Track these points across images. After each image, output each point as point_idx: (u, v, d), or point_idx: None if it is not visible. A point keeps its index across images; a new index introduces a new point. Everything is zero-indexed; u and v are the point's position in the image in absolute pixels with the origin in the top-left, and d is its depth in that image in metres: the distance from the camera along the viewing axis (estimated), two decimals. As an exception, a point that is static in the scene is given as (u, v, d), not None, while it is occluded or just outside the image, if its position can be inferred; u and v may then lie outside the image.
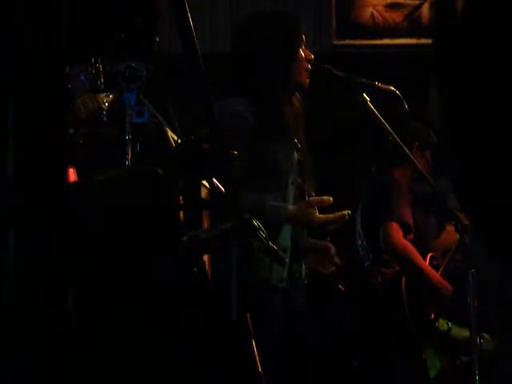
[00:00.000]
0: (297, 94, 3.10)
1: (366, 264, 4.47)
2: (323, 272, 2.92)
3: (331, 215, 2.92)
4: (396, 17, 6.14)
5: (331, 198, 2.90)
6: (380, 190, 4.47)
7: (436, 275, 4.33)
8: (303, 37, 3.09)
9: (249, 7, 5.85)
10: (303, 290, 3.02)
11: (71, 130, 2.39)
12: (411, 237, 4.37)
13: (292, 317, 2.94)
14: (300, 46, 3.07)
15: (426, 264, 4.35)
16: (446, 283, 4.34)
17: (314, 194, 3.06)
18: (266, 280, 2.86)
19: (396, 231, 4.30)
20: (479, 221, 1.59)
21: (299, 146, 3.07)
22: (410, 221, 4.40)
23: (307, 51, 3.08)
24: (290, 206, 2.96)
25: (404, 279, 4.27)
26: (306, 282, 3.01)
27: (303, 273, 3.00)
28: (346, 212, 2.93)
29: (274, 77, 3.00)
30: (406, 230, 4.35)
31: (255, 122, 2.94)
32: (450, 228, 4.76)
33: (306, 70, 3.06)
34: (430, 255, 4.44)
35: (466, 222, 3.35)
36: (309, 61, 3.06)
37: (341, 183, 5.36)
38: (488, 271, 1.97)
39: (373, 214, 4.42)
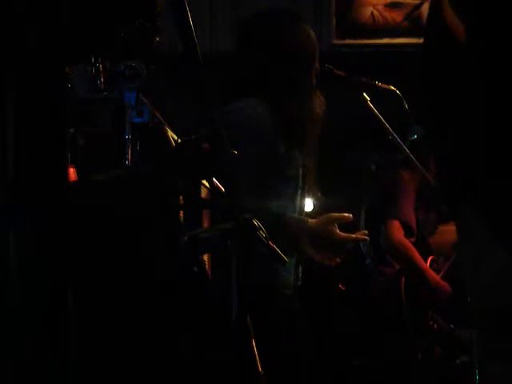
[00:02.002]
0: (318, 93, 3.01)
1: (366, 261, 4.46)
2: (327, 263, 2.85)
3: (352, 235, 2.84)
4: (396, 16, 6.14)
5: (351, 215, 2.81)
6: (387, 189, 4.46)
7: (434, 276, 4.33)
8: None
9: (249, 7, 5.83)
10: (298, 291, 2.98)
11: (71, 130, 2.39)
12: (413, 240, 4.36)
13: (291, 318, 2.91)
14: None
15: (424, 264, 4.34)
16: (444, 284, 4.33)
17: (318, 196, 3.01)
18: (272, 284, 2.82)
19: (397, 229, 4.29)
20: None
21: (308, 150, 2.96)
22: (413, 224, 4.38)
23: None
24: (311, 220, 2.85)
25: (403, 279, 4.27)
26: (300, 283, 2.98)
27: (299, 274, 2.97)
28: (365, 232, 2.88)
29: (300, 76, 2.91)
30: (408, 232, 4.34)
31: (275, 124, 2.80)
32: (444, 228, 4.75)
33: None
34: (430, 258, 4.43)
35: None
36: None
37: (342, 183, 5.36)
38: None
39: (378, 212, 4.41)
